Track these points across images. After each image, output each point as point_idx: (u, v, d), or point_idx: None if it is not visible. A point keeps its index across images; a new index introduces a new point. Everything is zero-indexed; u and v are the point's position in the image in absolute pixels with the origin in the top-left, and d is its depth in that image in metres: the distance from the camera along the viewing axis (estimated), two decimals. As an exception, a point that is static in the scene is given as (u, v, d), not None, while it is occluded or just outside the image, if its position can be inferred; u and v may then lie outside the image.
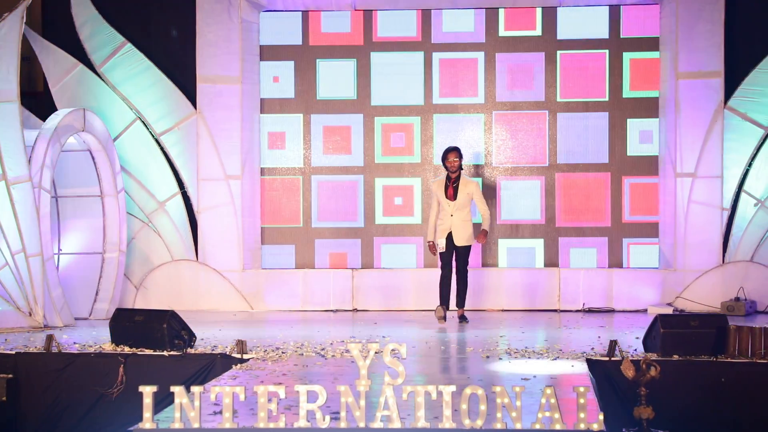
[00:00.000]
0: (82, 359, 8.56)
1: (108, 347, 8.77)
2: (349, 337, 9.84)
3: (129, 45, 12.56)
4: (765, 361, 7.88)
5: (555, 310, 12.33)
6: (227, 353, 8.45)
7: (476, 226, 11.20)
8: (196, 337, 8.89)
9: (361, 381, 5.58)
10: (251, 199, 12.76)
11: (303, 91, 12.95)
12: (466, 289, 11.05)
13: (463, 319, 10.99)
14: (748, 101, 12.09)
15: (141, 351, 8.54)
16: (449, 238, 10.89)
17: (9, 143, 10.58)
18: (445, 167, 10.97)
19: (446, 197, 10.91)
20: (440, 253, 10.98)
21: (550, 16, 12.72)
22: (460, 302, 11.06)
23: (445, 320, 10.79)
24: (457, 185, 10.90)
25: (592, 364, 8.05)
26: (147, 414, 5.47)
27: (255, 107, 12.83)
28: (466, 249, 10.97)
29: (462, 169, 11.00)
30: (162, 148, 12.66)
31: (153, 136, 12.64)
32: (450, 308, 11.01)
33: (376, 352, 5.70)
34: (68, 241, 12.13)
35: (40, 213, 10.79)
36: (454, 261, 10.96)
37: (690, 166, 12.17)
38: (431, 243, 11.02)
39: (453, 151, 10.94)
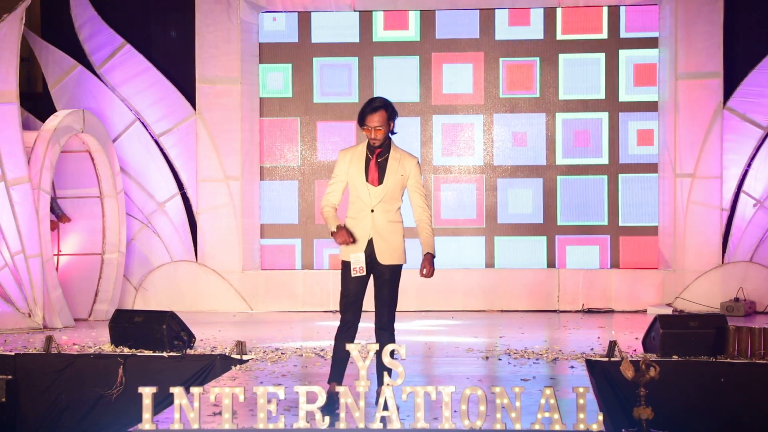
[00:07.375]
0: (81, 360, 8.55)
1: (107, 348, 8.76)
2: (348, 338, 9.82)
3: (128, 46, 12.56)
4: (764, 362, 7.88)
5: (554, 311, 12.32)
6: (227, 354, 8.45)
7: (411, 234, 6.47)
8: (195, 338, 8.89)
9: (361, 382, 5.58)
10: (251, 199, 12.75)
11: (302, 92, 12.95)
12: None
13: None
14: (747, 102, 12.10)
15: (140, 352, 8.54)
16: (368, 252, 6.36)
17: (8, 144, 10.58)
18: (364, 129, 6.29)
19: (366, 179, 6.33)
20: (345, 283, 6.42)
21: (549, 17, 12.72)
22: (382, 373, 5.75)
23: (337, 408, 5.47)
24: (385, 161, 6.33)
25: (591, 364, 8.05)
26: (146, 415, 5.47)
27: (254, 108, 12.82)
28: (395, 272, 6.46)
29: (394, 133, 6.38)
30: (161, 149, 12.66)
31: (152, 137, 12.64)
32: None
33: (375, 353, 5.69)
34: (68, 242, 12.13)
35: (40, 214, 10.79)
36: (371, 293, 6.49)
37: (689, 166, 12.17)
38: (339, 232, 6.26)
39: (379, 110, 6.22)
